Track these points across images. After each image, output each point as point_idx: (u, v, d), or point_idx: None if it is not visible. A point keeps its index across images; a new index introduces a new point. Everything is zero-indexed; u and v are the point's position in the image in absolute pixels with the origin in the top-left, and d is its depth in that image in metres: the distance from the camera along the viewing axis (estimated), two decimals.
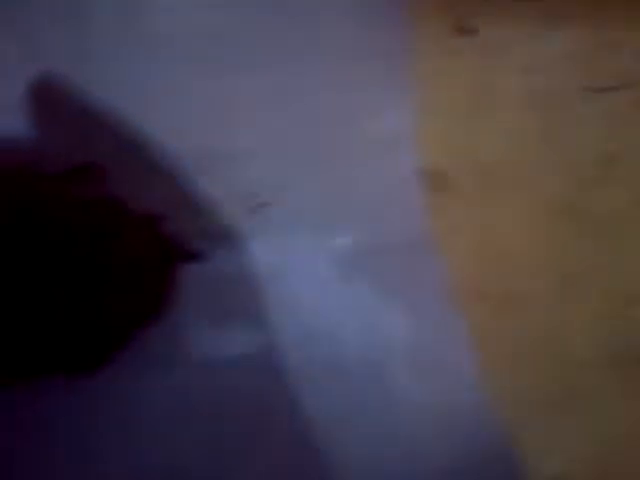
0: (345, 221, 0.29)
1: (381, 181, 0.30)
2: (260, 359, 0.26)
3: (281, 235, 0.29)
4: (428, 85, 0.32)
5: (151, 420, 0.26)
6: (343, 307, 0.27)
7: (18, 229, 0.28)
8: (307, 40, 0.30)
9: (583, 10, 0.36)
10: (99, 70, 0.29)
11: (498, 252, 0.30)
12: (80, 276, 0.27)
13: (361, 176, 0.30)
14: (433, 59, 0.33)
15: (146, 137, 0.30)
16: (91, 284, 0.26)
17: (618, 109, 0.34)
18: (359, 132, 0.30)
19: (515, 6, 0.36)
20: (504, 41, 0.35)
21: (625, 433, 0.26)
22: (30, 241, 0.28)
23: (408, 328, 0.26)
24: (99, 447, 0.26)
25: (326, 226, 0.29)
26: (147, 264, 0.28)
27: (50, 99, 0.31)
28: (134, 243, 0.28)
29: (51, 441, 0.26)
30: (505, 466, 0.22)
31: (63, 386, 0.26)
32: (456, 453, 0.22)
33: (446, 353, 0.25)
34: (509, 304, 0.29)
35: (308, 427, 0.24)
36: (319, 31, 0.30)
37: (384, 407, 0.23)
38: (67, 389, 0.26)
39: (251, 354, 0.27)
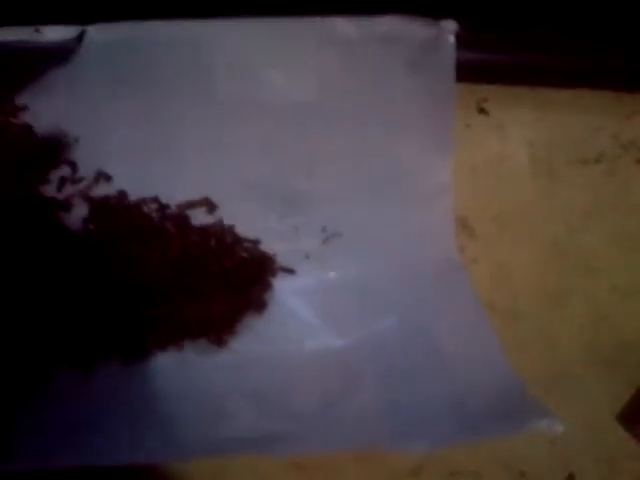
0: (397, 249, 0.39)
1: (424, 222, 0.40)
2: None
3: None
4: (457, 151, 0.42)
5: None
6: None
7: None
8: (376, 114, 0.40)
9: (570, 99, 0.47)
10: None
11: (507, 278, 0.40)
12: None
13: (409, 216, 0.40)
14: (460, 132, 0.44)
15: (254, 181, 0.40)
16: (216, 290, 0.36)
17: (595, 176, 0.45)
18: (410, 183, 0.40)
19: (519, 93, 0.47)
20: (513, 121, 0.46)
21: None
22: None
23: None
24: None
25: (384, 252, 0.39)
26: (252, 274, 0.38)
27: None
28: (242, 259, 0.38)
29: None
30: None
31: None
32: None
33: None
34: (513, 315, 0.39)
35: None
36: (384, 107, 0.40)
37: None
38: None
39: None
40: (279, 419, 0.32)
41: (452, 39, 0.40)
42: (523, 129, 0.47)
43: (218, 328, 0.35)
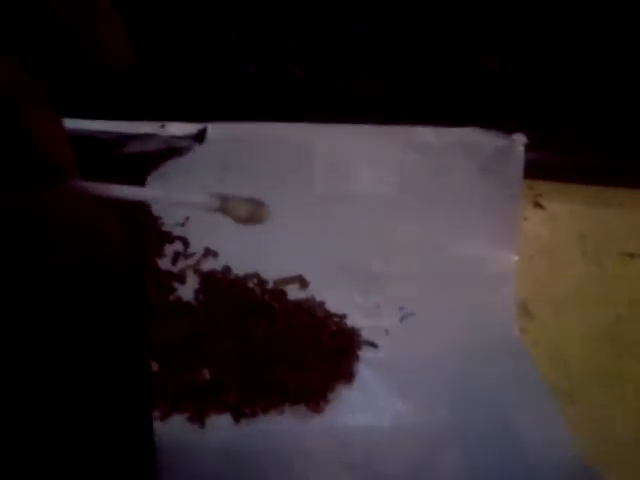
0: (465, 330, 0.45)
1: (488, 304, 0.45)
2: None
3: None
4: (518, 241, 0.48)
5: None
6: None
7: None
8: (448, 209, 0.47)
9: (619, 199, 0.53)
10: None
11: (563, 360, 0.45)
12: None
13: (476, 300, 0.46)
14: (519, 224, 0.50)
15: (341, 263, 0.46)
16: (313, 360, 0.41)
17: None
18: (477, 271, 0.46)
19: (571, 190, 0.53)
20: (565, 214, 0.52)
21: None
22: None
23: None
24: None
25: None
26: (342, 346, 0.43)
27: None
28: (333, 332, 0.44)
29: None
30: None
31: None
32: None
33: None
34: (572, 397, 0.44)
35: None
36: (456, 203, 0.47)
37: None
38: None
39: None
40: None
41: (522, 150, 0.46)
42: (574, 222, 0.52)
43: (315, 395, 0.40)
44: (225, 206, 0.29)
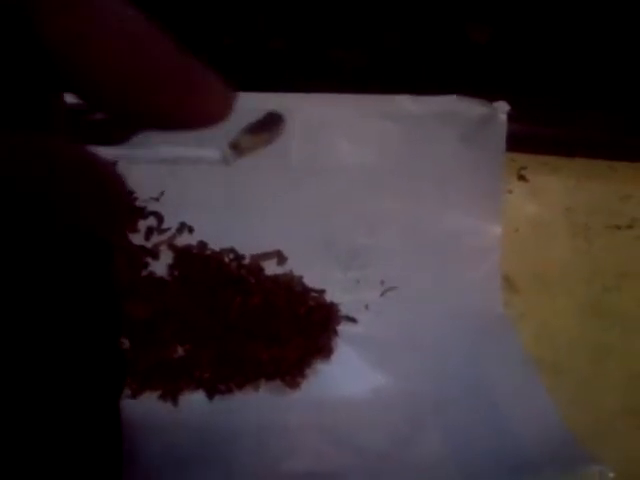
0: (448, 303, 0.44)
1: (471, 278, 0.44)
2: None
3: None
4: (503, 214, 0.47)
5: None
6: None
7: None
8: (430, 180, 0.45)
9: (605, 171, 0.52)
10: None
11: (549, 334, 0.44)
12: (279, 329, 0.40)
13: (457, 273, 0.45)
14: (503, 196, 0.49)
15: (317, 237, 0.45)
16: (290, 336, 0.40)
17: (628, 240, 0.49)
18: (460, 243, 0.45)
19: (556, 163, 0.52)
20: (551, 188, 0.51)
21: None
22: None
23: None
24: None
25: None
26: (320, 322, 0.42)
27: None
28: (311, 307, 0.42)
29: None
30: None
31: None
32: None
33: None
34: (557, 370, 0.43)
35: None
36: (438, 174, 0.45)
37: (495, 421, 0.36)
38: None
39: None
40: (350, 455, 0.35)
41: (504, 118, 0.44)
42: (559, 195, 0.51)
43: (292, 371, 0.39)
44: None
